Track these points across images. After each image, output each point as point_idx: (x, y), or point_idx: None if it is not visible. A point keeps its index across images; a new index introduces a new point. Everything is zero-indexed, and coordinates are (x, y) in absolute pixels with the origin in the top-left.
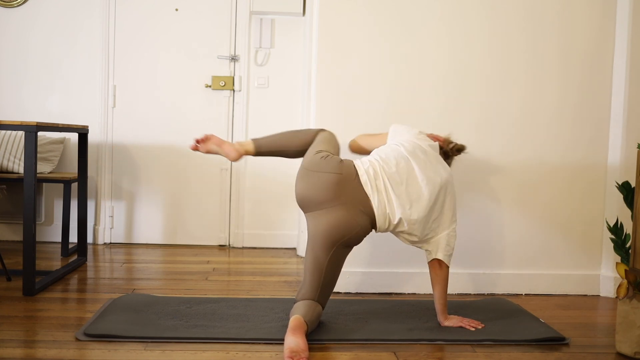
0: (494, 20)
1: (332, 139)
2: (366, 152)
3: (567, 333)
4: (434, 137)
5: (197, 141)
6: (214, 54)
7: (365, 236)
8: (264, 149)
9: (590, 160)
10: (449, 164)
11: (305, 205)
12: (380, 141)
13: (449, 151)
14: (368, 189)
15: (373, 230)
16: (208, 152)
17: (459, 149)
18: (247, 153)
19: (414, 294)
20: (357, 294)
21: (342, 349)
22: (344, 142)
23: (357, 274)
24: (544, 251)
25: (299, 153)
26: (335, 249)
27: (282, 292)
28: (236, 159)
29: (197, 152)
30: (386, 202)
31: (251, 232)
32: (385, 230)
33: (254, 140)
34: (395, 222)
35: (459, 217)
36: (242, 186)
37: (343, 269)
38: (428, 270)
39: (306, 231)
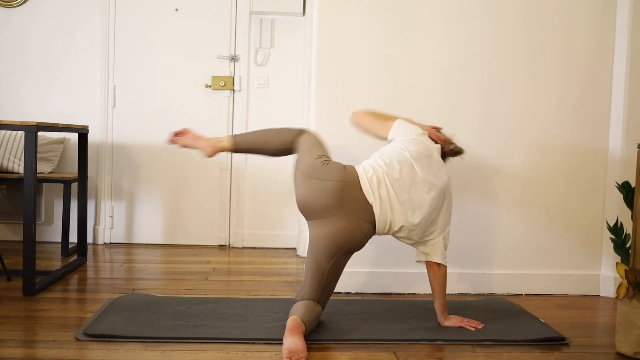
0: (494, 20)
1: (322, 142)
2: (365, 131)
3: (567, 333)
4: (436, 137)
5: (175, 134)
6: (214, 54)
7: (367, 241)
8: (241, 145)
9: (590, 160)
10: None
11: (308, 212)
12: (382, 130)
13: (448, 152)
14: (370, 197)
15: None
16: (185, 146)
17: (457, 152)
18: (224, 149)
19: (414, 294)
20: (357, 294)
21: (342, 349)
22: (342, 138)
23: (357, 274)
24: (544, 251)
25: (277, 152)
26: (337, 257)
27: (282, 292)
28: (211, 155)
29: (198, 152)
30: (388, 210)
31: (251, 232)
32: (385, 234)
33: (233, 137)
34: (396, 228)
35: (459, 217)
36: (242, 186)
37: (343, 269)
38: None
39: (306, 231)
